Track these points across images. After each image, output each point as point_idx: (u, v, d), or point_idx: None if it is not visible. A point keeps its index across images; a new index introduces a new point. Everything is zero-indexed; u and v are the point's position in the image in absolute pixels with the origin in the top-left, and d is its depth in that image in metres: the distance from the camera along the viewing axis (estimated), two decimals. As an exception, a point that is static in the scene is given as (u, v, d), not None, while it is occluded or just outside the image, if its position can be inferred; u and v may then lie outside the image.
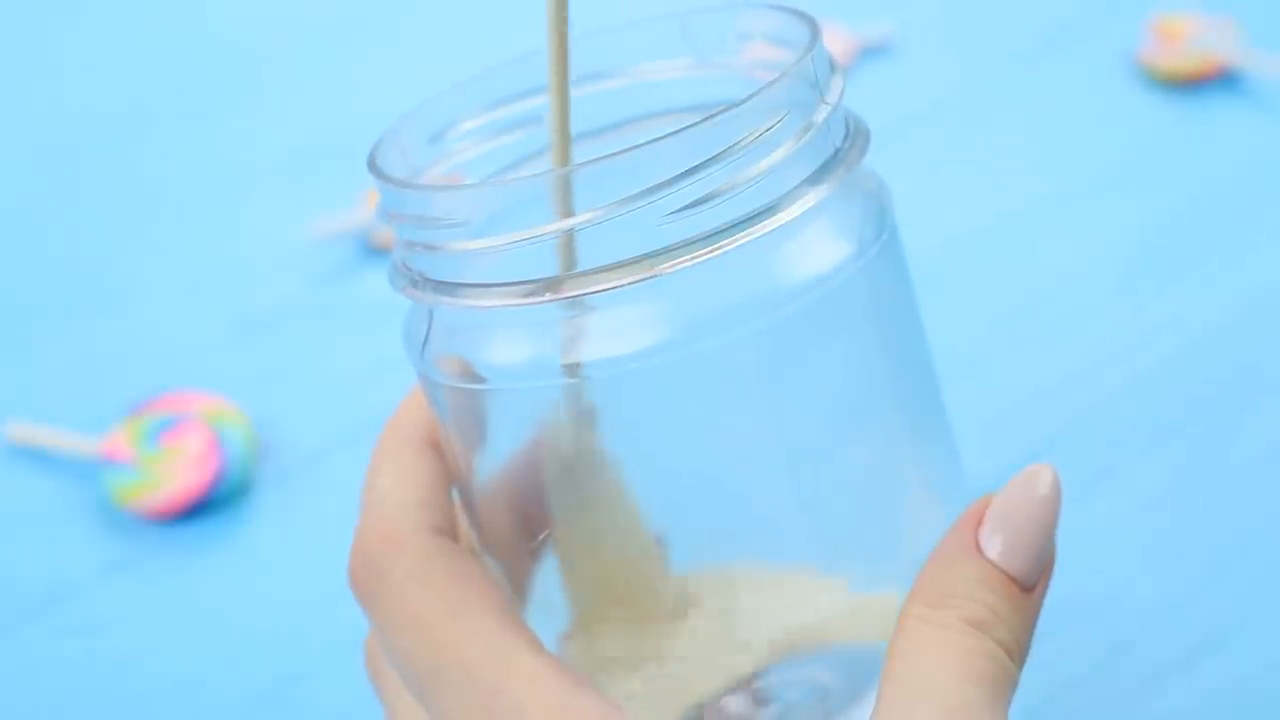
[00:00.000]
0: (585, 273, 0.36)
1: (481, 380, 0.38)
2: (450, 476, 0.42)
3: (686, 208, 0.35)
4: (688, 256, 0.35)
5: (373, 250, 0.73)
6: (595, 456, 0.40)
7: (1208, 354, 0.63)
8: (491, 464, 0.40)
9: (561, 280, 0.36)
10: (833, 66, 0.39)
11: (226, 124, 0.85)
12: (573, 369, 0.37)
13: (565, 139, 0.39)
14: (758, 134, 0.36)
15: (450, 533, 0.40)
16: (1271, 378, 0.62)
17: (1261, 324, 0.65)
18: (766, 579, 0.40)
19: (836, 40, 0.80)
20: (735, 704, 0.40)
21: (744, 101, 0.36)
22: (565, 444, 0.40)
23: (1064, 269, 0.69)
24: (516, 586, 0.42)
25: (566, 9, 0.38)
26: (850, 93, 0.39)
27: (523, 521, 0.41)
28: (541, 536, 0.41)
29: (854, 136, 0.39)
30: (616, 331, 0.36)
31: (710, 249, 0.35)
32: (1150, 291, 0.67)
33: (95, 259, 0.76)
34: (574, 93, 0.39)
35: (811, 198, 0.36)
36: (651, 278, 0.35)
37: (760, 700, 0.40)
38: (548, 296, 0.36)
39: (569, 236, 0.36)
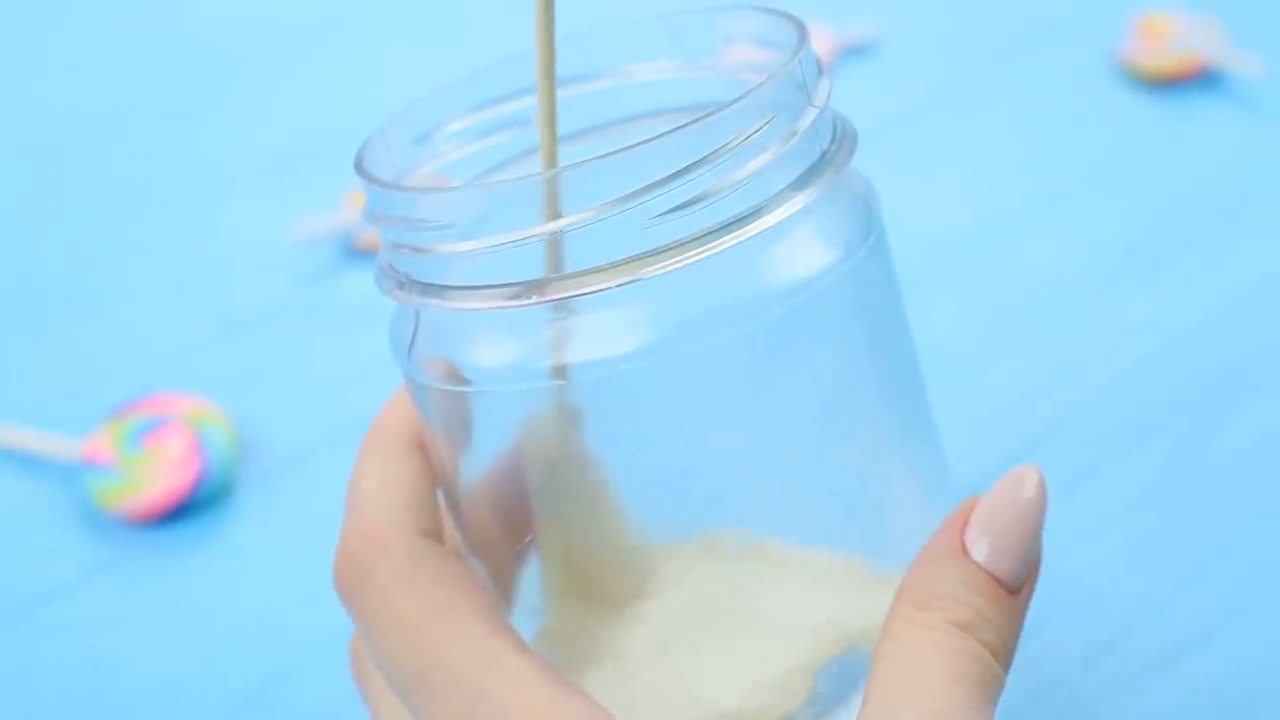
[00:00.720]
0: (571, 275, 0.36)
1: (467, 382, 0.38)
2: (435, 478, 0.42)
3: (673, 210, 0.35)
4: (675, 259, 0.35)
5: (356, 251, 0.73)
6: (581, 459, 0.40)
7: (1190, 353, 0.64)
8: (477, 466, 0.40)
9: (548, 282, 0.36)
10: (820, 69, 0.39)
11: (209, 125, 0.85)
12: (559, 371, 0.37)
13: (552, 140, 0.39)
14: (745, 136, 0.36)
15: (436, 534, 0.40)
16: (1253, 376, 0.62)
17: (1243, 323, 0.65)
18: (753, 584, 0.40)
19: (819, 40, 0.80)
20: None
21: (731, 104, 0.36)
22: (550, 446, 0.40)
23: (1047, 269, 0.69)
24: (502, 589, 0.42)
25: (553, 10, 0.38)
26: (834, 92, 0.39)
27: (508, 523, 0.41)
28: (528, 539, 0.41)
29: (841, 139, 0.39)
30: (603, 334, 0.36)
31: (697, 251, 0.35)
32: (1132, 291, 0.67)
33: (77, 261, 0.76)
34: (560, 93, 0.39)
35: (798, 201, 0.36)
36: (638, 280, 0.35)
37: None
38: (534, 299, 0.36)
39: (555, 239, 0.36)
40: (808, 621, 0.39)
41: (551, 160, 0.39)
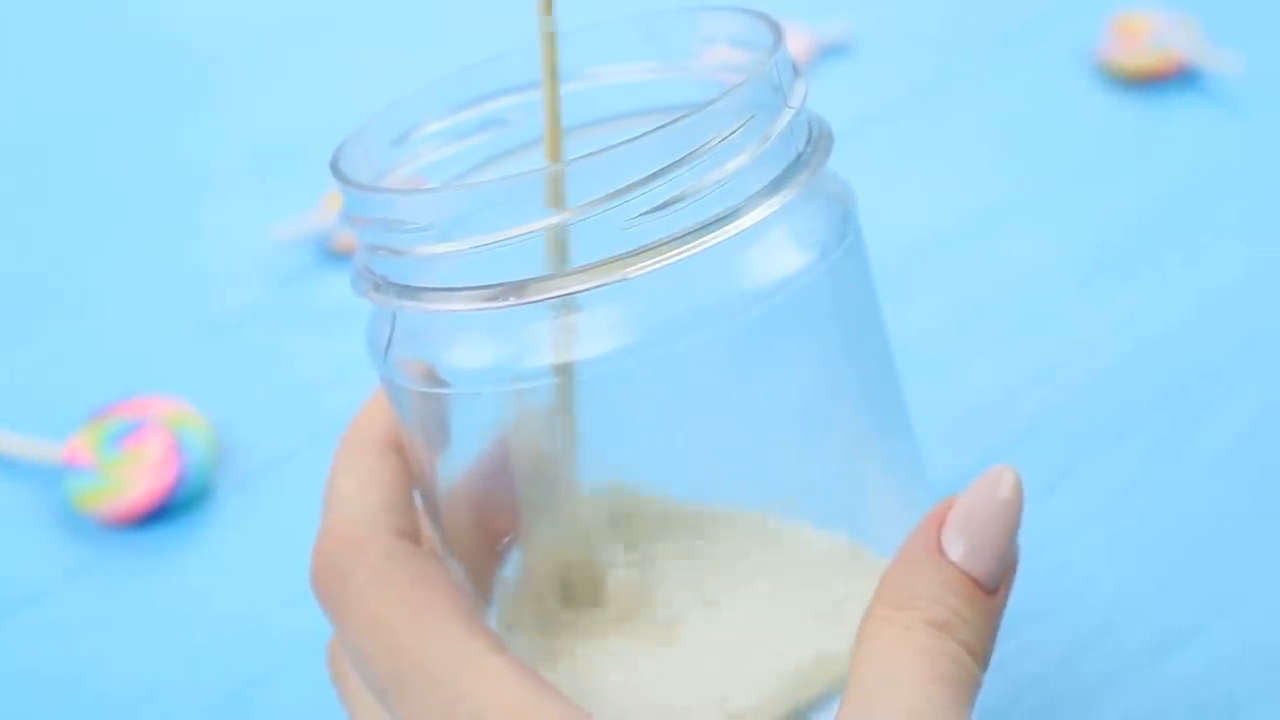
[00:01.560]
0: (550, 276, 0.36)
1: (445, 384, 0.38)
2: (413, 479, 0.42)
3: (652, 211, 0.35)
4: (654, 260, 0.35)
5: (333, 254, 0.73)
6: (558, 458, 0.40)
7: (1168, 351, 0.64)
8: (455, 467, 0.40)
9: (525, 284, 0.36)
10: (796, 70, 0.39)
11: (187, 127, 0.84)
12: (538, 372, 0.37)
13: (557, 133, 0.39)
14: (722, 138, 0.36)
15: (413, 535, 0.40)
16: (1231, 374, 0.62)
17: (1221, 322, 0.65)
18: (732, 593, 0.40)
19: (795, 40, 0.80)
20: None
21: (708, 105, 0.36)
22: (530, 446, 0.40)
23: (1024, 268, 0.69)
24: (479, 590, 0.42)
25: (553, 9, 0.38)
26: (810, 92, 0.39)
27: (486, 525, 0.41)
28: (506, 540, 0.41)
29: (817, 140, 0.39)
30: (583, 335, 0.36)
31: (676, 252, 0.35)
32: (1111, 290, 0.67)
33: (56, 263, 0.75)
34: (537, 94, 0.39)
35: (775, 202, 0.37)
36: (617, 281, 0.35)
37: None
38: (511, 300, 0.36)
39: (557, 235, 0.36)
40: (814, 613, 0.40)
41: (556, 154, 0.39)
